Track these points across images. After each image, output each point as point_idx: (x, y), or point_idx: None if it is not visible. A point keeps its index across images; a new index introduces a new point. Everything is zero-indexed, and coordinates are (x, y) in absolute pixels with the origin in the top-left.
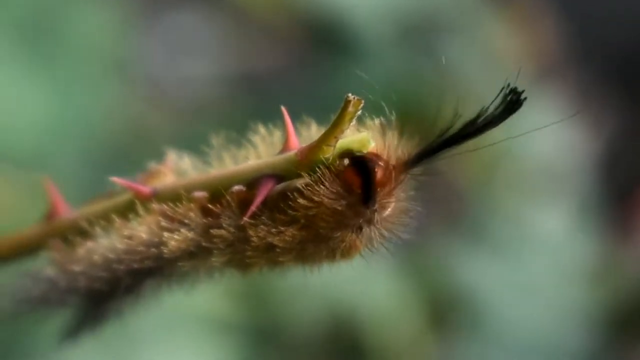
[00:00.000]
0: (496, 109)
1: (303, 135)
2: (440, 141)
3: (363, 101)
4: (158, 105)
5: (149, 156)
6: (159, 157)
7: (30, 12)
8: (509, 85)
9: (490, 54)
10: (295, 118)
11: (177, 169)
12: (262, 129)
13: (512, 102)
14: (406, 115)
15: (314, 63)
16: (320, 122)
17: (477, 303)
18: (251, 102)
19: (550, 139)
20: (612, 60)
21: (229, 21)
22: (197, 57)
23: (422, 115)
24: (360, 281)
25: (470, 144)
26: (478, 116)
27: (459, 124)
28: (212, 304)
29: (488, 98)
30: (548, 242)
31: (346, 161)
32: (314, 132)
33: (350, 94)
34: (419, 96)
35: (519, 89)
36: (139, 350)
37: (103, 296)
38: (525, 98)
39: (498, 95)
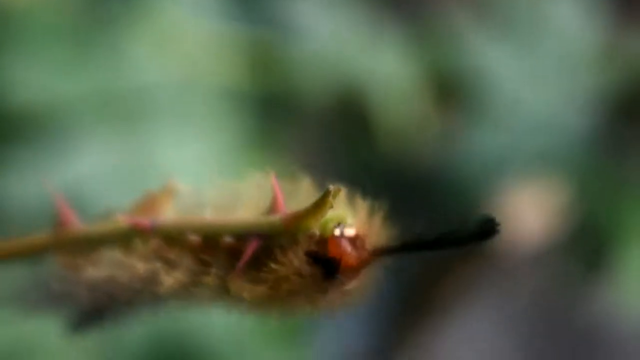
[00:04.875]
0: (473, 231)
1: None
2: (415, 243)
3: (342, 190)
4: None
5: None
6: None
7: None
8: (487, 216)
9: None
10: None
11: (177, 194)
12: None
13: (486, 231)
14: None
15: None
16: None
17: (484, 83)
18: None
19: None
20: None
21: None
22: None
23: None
24: (371, 56)
25: None
26: (455, 231)
27: (435, 232)
28: (221, 72)
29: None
30: (558, 26)
31: (320, 234)
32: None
33: (331, 185)
34: None
35: (496, 221)
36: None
37: (103, 306)
38: (498, 230)
39: (477, 218)
